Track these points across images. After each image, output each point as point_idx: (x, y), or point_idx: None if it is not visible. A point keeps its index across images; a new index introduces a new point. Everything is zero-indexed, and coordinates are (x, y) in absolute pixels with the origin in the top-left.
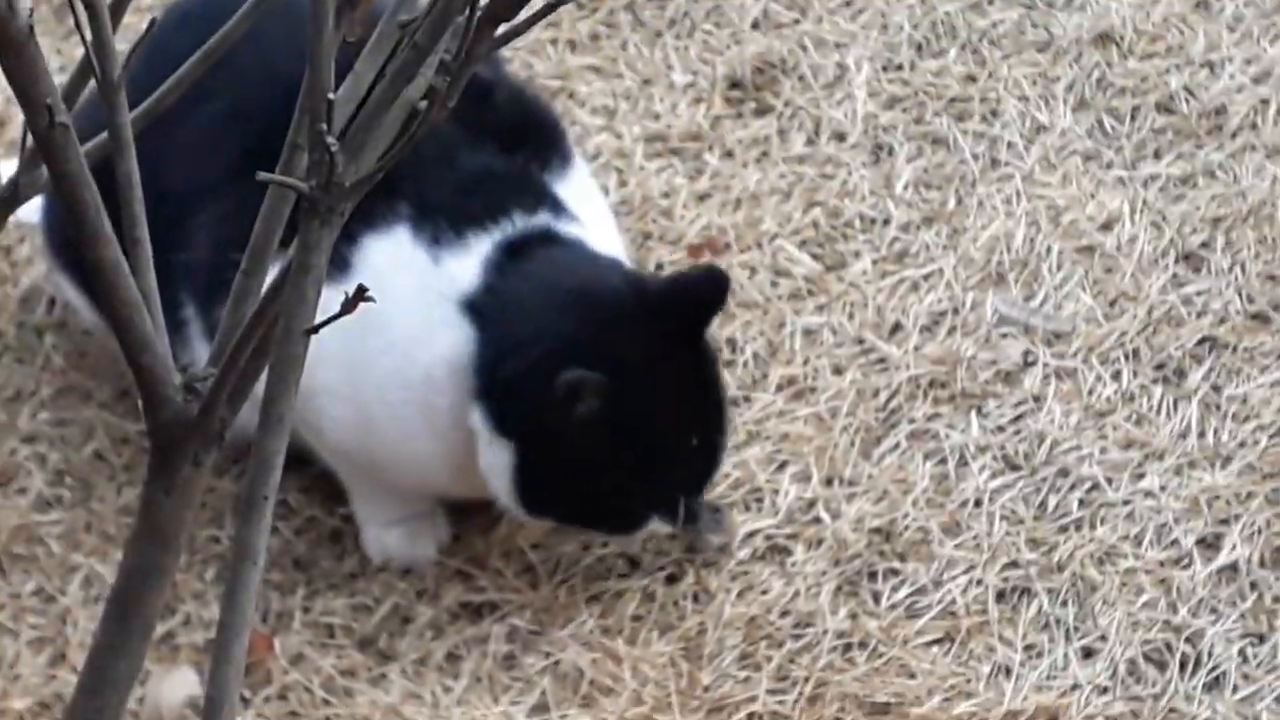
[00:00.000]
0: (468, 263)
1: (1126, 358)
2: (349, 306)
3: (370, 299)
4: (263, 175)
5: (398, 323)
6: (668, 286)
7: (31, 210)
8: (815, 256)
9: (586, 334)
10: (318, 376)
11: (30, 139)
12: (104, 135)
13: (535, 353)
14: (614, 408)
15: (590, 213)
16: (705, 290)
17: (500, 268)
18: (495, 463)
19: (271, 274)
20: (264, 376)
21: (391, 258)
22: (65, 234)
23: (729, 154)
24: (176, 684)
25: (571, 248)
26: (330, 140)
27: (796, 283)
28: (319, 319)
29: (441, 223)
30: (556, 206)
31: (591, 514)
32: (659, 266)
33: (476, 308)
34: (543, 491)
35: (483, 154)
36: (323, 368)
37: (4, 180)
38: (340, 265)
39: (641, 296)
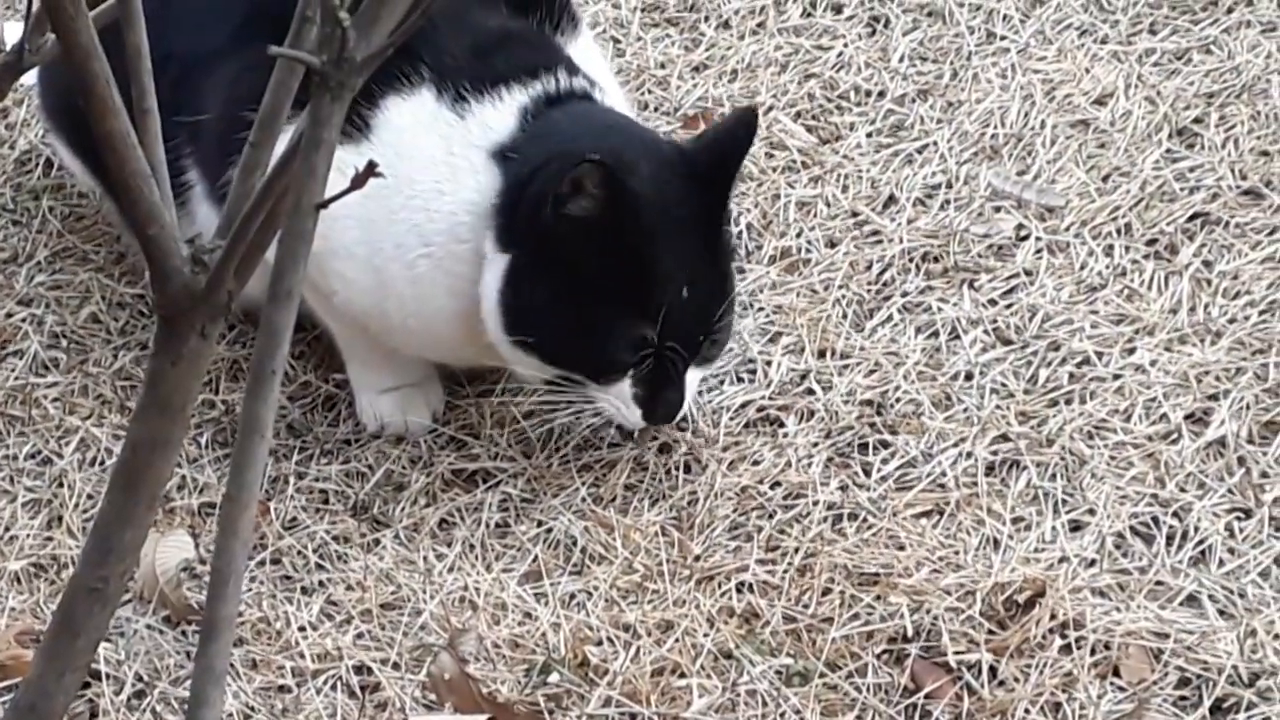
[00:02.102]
0: (503, 112)
1: (1119, 233)
2: (359, 181)
3: (380, 175)
4: (274, 49)
5: (420, 179)
6: (704, 138)
7: (29, 71)
8: (810, 129)
9: (606, 148)
10: (333, 237)
11: (36, 5)
12: (111, 2)
13: (551, 161)
14: (610, 216)
15: (601, 76)
16: (735, 129)
17: (537, 116)
18: (490, 280)
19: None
20: (272, 249)
21: (414, 119)
22: (62, 97)
23: (725, 25)
24: (171, 548)
25: (611, 110)
26: (342, 14)
27: (791, 155)
28: (338, 181)
29: (465, 81)
30: (588, 77)
31: (567, 341)
32: None
33: (507, 153)
34: (525, 305)
35: (497, 16)
36: (339, 228)
37: (9, 46)
38: (361, 128)
39: (677, 148)
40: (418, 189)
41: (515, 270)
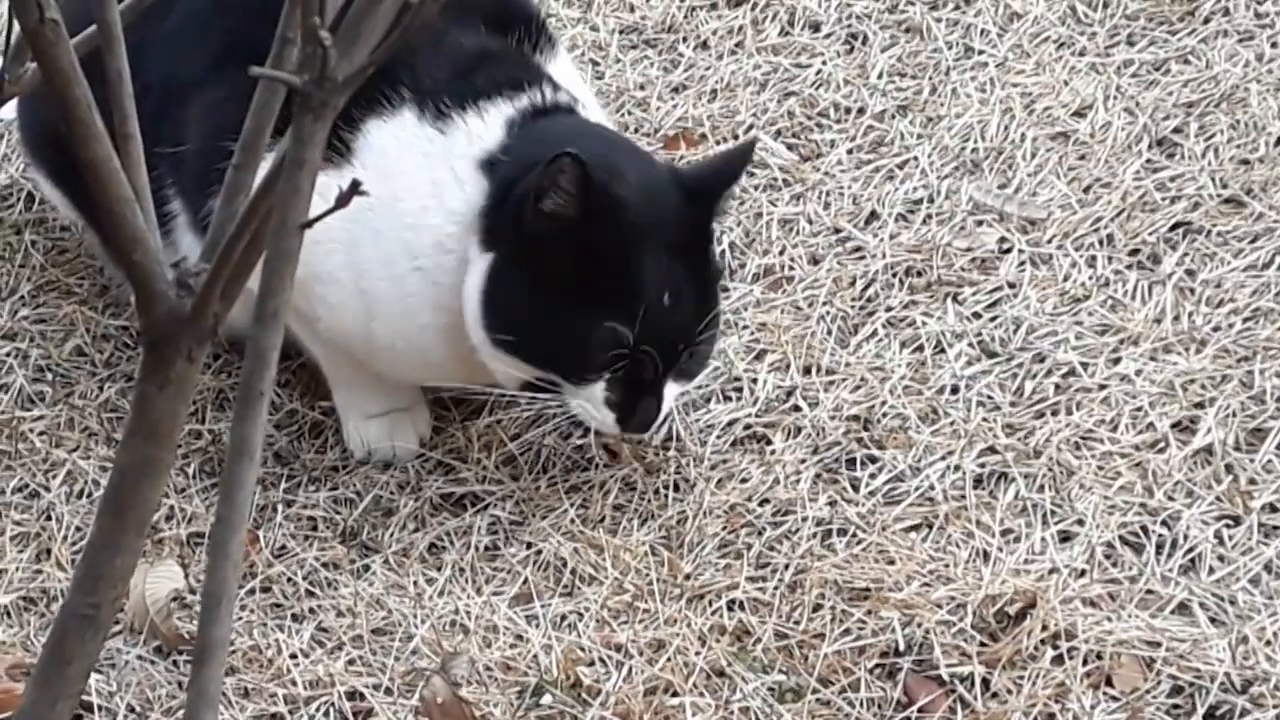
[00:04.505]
0: (490, 123)
1: (1101, 243)
2: (343, 200)
3: (364, 193)
4: (255, 70)
5: (405, 197)
6: (700, 162)
7: (8, 106)
8: (791, 146)
9: (593, 150)
10: (317, 263)
11: (16, 34)
12: (91, 29)
13: (540, 162)
14: (587, 213)
15: (583, 95)
16: (731, 156)
17: (524, 126)
18: (472, 280)
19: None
20: (257, 271)
21: (396, 140)
22: (43, 130)
23: (704, 45)
24: (161, 578)
25: (601, 124)
26: (323, 34)
27: (773, 173)
28: (321, 206)
29: (445, 98)
30: (572, 95)
31: (544, 338)
32: None
33: (495, 161)
34: (505, 303)
35: (475, 36)
36: (323, 254)
37: None
38: (343, 151)
39: (669, 166)
40: (404, 207)
41: (496, 269)
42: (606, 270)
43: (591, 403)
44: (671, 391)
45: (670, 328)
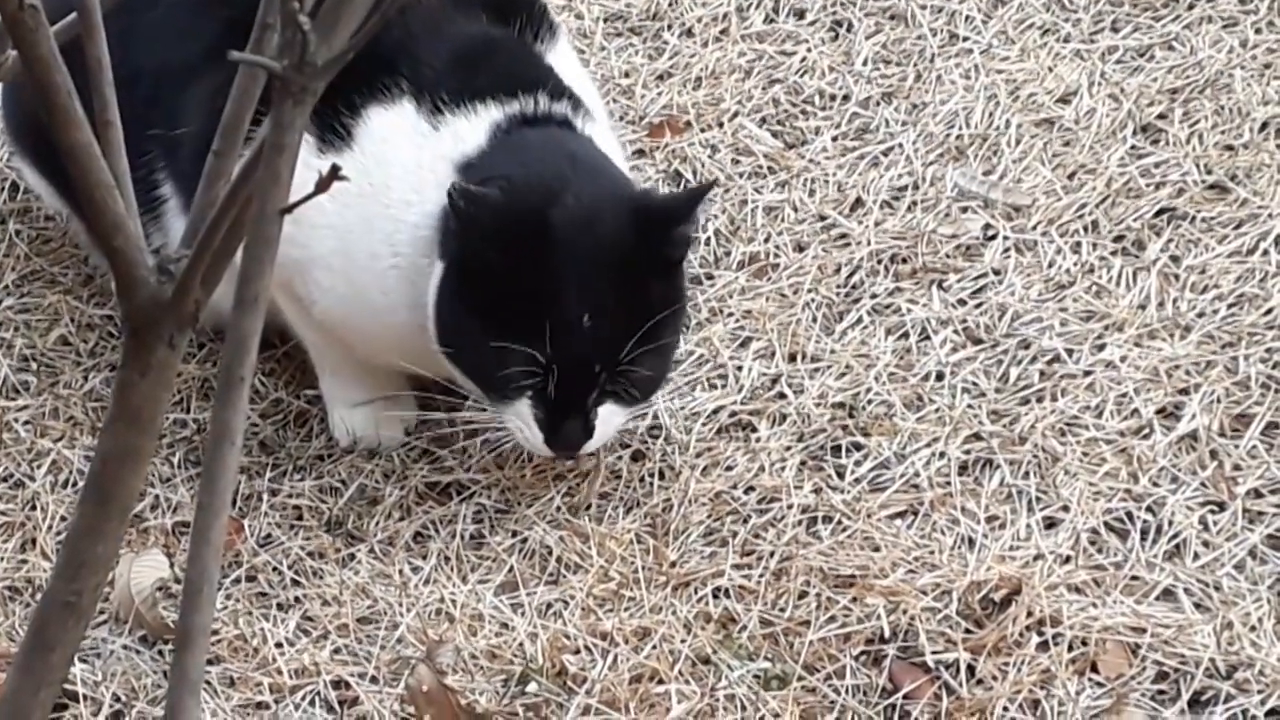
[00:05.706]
0: (475, 126)
1: (1086, 230)
2: (323, 185)
3: (344, 178)
4: (235, 55)
5: (393, 188)
6: (669, 194)
7: None
8: (775, 134)
9: (547, 174)
10: (313, 246)
11: None
12: (72, 16)
13: (491, 179)
14: (506, 237)
15: (580, 84)
16: (689, 196)
17: (509, 134)
18: (430, 288)
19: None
20: (238, 256)
21: (395, 128)
22: (27, 119)
23: (689, 32)
24: (146, 567)
25: (584, 139)
26: (302, 18)
27: (757, 160)
28: (315, 189)
29: (444, 93)
30: (574, 96)
31: (470, 352)
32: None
33: (469, 168)
34: (446, 314)
35: (477, 24)
36: (318, 237)
37: None
38: (344, 136)
39: (631, 193)
40: (391, 198)
41: (444, 279)
42: (520, 290)
43: (521, 420)
44: (608, 413)
45: (589, 349)
